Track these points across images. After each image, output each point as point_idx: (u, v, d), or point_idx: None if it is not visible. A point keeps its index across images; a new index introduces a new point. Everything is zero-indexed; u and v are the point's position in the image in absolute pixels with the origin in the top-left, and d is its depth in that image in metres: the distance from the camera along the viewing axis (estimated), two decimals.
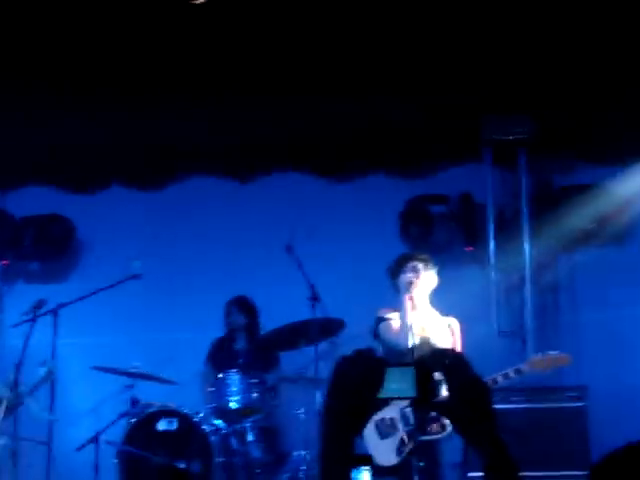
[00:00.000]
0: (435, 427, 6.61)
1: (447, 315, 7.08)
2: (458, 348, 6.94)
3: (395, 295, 7.01)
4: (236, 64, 8.20)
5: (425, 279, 6.96)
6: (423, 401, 2.07)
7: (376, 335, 7.01)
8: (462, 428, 2.05)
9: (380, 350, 6.97)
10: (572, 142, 9.02)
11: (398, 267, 7.01)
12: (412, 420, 6.40)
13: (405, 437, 6.39)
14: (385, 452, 6.60)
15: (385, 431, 6.65)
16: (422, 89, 8.55)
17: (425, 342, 6.78)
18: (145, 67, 8.26)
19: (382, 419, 6.67)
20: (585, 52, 8.12)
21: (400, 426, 6.56)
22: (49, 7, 7.49)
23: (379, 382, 2.17)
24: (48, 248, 9.43)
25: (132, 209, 9.39)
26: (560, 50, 8.14)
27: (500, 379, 6.68)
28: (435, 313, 7.05)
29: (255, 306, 8.69)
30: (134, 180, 9.50)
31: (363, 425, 2.00)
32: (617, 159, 8.97)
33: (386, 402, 2.05)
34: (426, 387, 2.03)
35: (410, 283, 6.82)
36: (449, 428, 6.59)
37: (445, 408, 2.12)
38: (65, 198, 9.52)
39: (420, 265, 6.97)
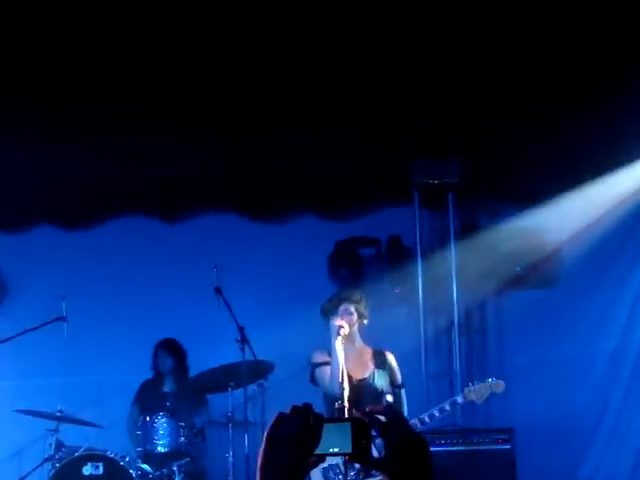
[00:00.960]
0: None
1: (378, 347, 7.11)
2: (398, 379, 6.97)
3: (327, 333, 7.01)
4: (164, 101, 8.14)
5: (353, 323, 6.96)
6: (359, 457, 2.07)
7: (312, 380, 7.00)
8: None
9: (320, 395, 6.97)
10: (498, 185, 9.13)
11: (331, 308, 7.02)
12: (357, 465, 6.40)
13: None
14: None
15: (332, 477, 6.62)
16: (353, 132, 8.59)
17: (360, 386, 6.80)
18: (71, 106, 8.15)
19: (329, 465, 6.66)
20: (513, 99, 8.24)
21: (346, 471, 6.55)
22: None
23: (317, 439, 2.15)
24: None
25: (57, 249, 9.24)
26: (488, 96, 8.24)
27: (436, 413, 6.74)
28: (368, 349, 7.07)
29: (183, 348, 8.61)
30: (60, 220, 9.35)
31: None
32: (542, 200, 9.11)
33: (323, 458, 2.04)
34: (362, 443, 2.04)
35: (342, 327, 6.82)
36: None
37: (381, 464, 2.12)
38: None
39: (352, 308, 6.99)
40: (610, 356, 8.93)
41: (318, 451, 2.21)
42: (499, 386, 6.88)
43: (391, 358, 7.08)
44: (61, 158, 8.66)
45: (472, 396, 6.82)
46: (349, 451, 2.22)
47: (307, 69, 7.78)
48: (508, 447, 7.66)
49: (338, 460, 6.62)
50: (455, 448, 7.68)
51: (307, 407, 2.20)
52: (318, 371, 6.95)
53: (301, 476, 2.20)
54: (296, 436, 2.16)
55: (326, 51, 7.55)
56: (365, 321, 7.08)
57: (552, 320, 8.96)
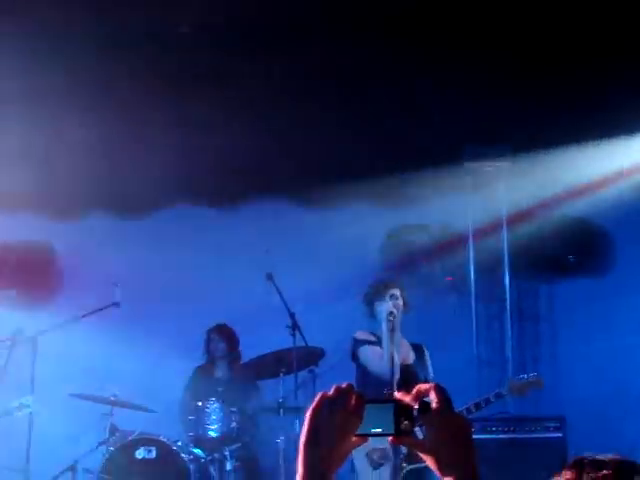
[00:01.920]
0: None
1: (415, 341, 7.12)
2: (431, 373, 6.99)
3: (370, 321, 7.03)
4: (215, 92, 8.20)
5: (401, 309, 6.98)
6: (402, 439, 2.07)
7: (354, 357, 7.04)
8: (441, 467, 2.05)
9: (356, 371, 7.00)
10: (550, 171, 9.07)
11: (376, 294, 7.03)
12: (403, 449, 6.42)
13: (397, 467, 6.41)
14: None
15: (376, 462, 6.65)
16: (405, 117, 8.58)
17: (407, 372, 6.81)
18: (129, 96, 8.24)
19: (373, 449, 6.68)
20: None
21: (391, 456, 6.57)
22: None
23: (359, 419, 2.16)
24: (28, 275, 9.39)
25: (112, 237, 9.36)
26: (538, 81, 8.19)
27: (483, 404, 6.73)
28: (405, 340, 7.09)
29: (235, 334, 8.67)
30: (114, 208, 9.48)
31: (341, 462, 2.00)
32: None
33: (365, 439, 2.04)
34: (405, 424, 2.04)
35: (391, 312, 6.83)
36: None
37: (424, 445, 2.11)
38: (46, 225, 9.48)
39: (398, 293, 7.00)
40: None
41: (360, 431, 2.22)
42: (539, 383, 6.84)
43: (427, 353, 7.10)
44: (117, 146, 8.78)
45: (515, 390, 6.79)
46: (392, 432, 2.23)
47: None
48: (560, 435, 7.61)
49: (385, 444, 6.65)
50: (506, 436, 7.65)
51: (349, 387, 2.22)
52: (363, 349, 6.97)
53: (342, 456, 2.22)
54: (338, 416, 2.18)
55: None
56: (409, 309, 7.07)
57: (605, 308, 8.88)
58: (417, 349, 7.08)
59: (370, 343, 6.97)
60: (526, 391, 6.88)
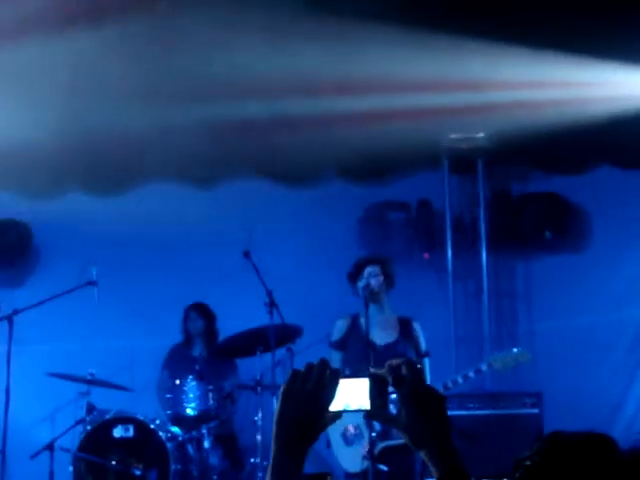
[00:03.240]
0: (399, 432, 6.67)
1: (405, 315, 7.13)
2: (423, 347, 7.00)
3: (356, 299, 7.05)
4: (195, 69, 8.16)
5: (380, 283, 6.98)
6: (376, 414, 2.07)
7: (332, 342, 7.06)
8: (415, 441, 2.04)
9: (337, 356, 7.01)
10: (529, 151, 9.08)
11: (357, 271, 7.05)
12: (377, 426, 6.45)
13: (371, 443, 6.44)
14: (351, 459, 6.65)
15: (351, 438, 6.69)
16: (384, 98, 8.56)
17: (387, 351, 6.83)
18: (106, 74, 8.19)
19: (348, 426, 6.71)
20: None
21: (365, 433, 6.61)
22: None
23: (332, 395, 2.15)
24: (4, 254, 9.35)
25: (89, 215, 9.30)
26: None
27: (460, 380, 6.76)
28: (394, 316, 7.10)
29: (213, 312, 8.66)
30: (91, 186, 9.43)
31: (315, 438, 1.99)
32: (573, 168, 9.08)
33: (340, 415, 2.04)
34: (380, 400, 2.04)
35: (368, 288, 6.85)
36: None
37: (397, 420, 2.11)
38: (21, 203, 9.42)
39: (378, 269, 7.00)
40: None
41: (335, 408, 2.22)
42: (525, 357, 6.83)
43: (416, 326, 7.09)
44: (94, 124, 8.72)
45: (497, 365, 6.80)
46: (366, 408, 2.23)
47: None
48: (536, 411, 7.65)
49: (359, 422, 6.68)
50: (483, 412, 7.69)
51: (323, 363, 2.21)
52: (338, 327, 7.03)
53: (317, 432, 2.22)
54: (311, 392, 2.17)
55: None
56: (392, 284, 7.08)
57: (582, 285, 8.93)
58: (405, 324, 7.07)
59: (341, 348, 7.01)
60: (511, 364, 6.87)
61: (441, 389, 6.72)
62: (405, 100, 8.32)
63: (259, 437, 7.42)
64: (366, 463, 6.47)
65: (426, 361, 7.02)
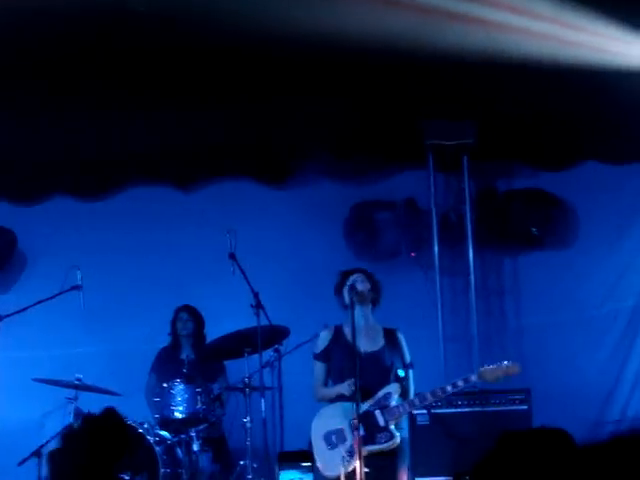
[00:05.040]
0: (383, 437, 6.66)
1: (391, 327, 7.09)
2: (407, 358, 6.98)
3: (341, 312, 7.01)
4: (177, 69, 8.13)
5: (366, 288, 6.94)
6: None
7: (316, 354, 7.04)
8: None
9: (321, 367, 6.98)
10: (515, 147, 9.08)
11: (342, 280, 7.02)
12: (362, 431, 6.44)
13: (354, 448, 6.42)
14: (333, 462, 6.62)
15: (334, 442, 6.67)
16: (366, 95, 8.54)
17: (370, 360, 6.81)
18: (80, 79, 8.15)
19: (331, 430, 6.70)
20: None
21: (348, 437, 6.59)
22: None
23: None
24: None
25: (73, 220, 9.28)
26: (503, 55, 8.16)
27: (449, 388, 6.73)
28: (379, 326, 7.06)
29: (201, 315, 8.64)
30: (75, 191, 9.39)
31: None
32: (559, 163, 9.09)
33: None
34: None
35: (355, 289, 6.83)
36: (397, 439, 6.64)
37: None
38: (6, 209, 9.38)
39: (360, 277, 6.97)
40: (628, 315, 8.88)
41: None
42: (514, 369, 6.81)
43: (401, 337, 7.07)
44: (75, 128, 8.70)
45: (487, 376, 6.76)
46: None
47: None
48: (525, 408, 7.65)
49: (343, 425, 6.66)
50: (472, 409, 7.68)
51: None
52: (323, 338, 7.01)
53: None
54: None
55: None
56: (378, 299, 7.04)
57: (569, 280, 8.94)
58: (389, 334, 7.04)
59: (325, 359, 6.99)
60: (500, 377, 6.83)
61: (430, 397, 6.70)
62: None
63: (248, 439, 7.40)
64: (344, 467, 6.47)
65: (410, 373, 6.98)
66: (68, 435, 2.26)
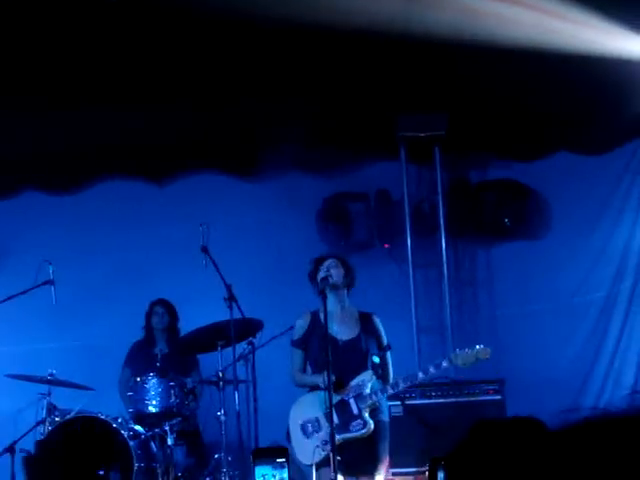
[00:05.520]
0: (356, 425, 6.69)
1: (366, 310, 7.10)
2: (384, 341, 6.99)
3: (317, 298, 7.01)
4: (145, 66, 8.10)
5: (340, 276, 6.96)
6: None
7: (293, 341, 7.05)
8: None
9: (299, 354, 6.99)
10: (487, 138, 9.10)
11: (315, 267, 7.02)
12: (336, 419, 6.47)
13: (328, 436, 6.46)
14: (309, 450, 6.65)
15: (310, 430, 6.71)
16: (338, 87, 8.53)
17: (347, 348, 6.83)
18: (52, 73, 8.10)
19: (308, 419, 6.72)
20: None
21: (323, 425, 6.63)
22: None
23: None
24: None
25: (44, 214, 9.24)
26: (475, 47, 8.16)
27: (421, 375, 6.75)
28: (354, 311, 7.07)
29: (175, 309, 8.62)
30: (47, 185, 9.34)
31: None
32: (530, 154, 9.12)
33: None
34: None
35: (327, 278, 6.84)
36: (371, 426, 6.66)
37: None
38: None
39: (333, 263, 6.98)
40: (601, 305, 8.92)
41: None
42: (485, 353, 6.84)
43: (377, 321, 7.08)
44: (46, 123, 8.64)
45: (458, 361, 6.79)
46: None
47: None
48: (499, 398, 7.69)
49: (318, 414, 6.69)
50: (446, 400, 7.71)
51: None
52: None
53: None
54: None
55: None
56: (352, 282, 7.05)
57: (542, 270, 8.96)
58: (365, 318, 7.05)
59: (302, 346, 6.99)
60: (472, 361, 6.86)
61: (400, 383, 6.72)
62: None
63: (223, 432, 7.39)
64: (320, 454, 6.50)
65: (388, 355, 7.01)
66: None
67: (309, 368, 6.99)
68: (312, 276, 7.01)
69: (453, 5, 7.53)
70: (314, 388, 6.82)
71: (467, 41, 7.66)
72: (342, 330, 6.92)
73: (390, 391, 6.79)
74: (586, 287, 8.95)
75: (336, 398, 6.57)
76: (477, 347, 6.82)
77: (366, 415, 6.72)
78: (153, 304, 8.60)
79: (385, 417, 6.88)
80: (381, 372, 6.88)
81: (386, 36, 7.78)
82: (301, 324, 7.04)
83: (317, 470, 6.63)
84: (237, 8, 7.32)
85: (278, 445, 7.10)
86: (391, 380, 6.86)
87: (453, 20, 7.58)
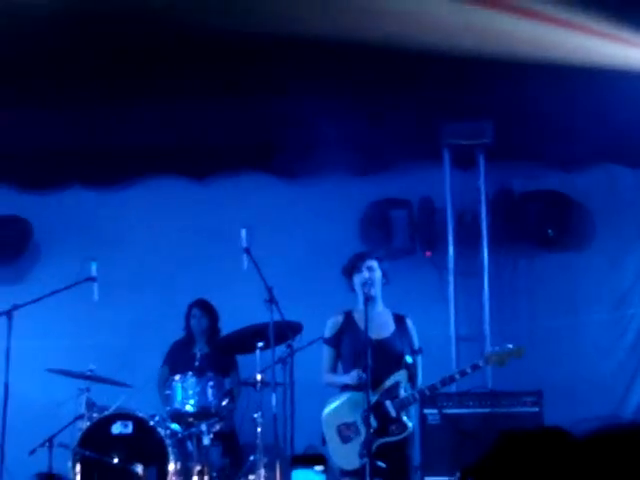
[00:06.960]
0: (396, 428, 6.68)
1: (398, 312, 7.13)
2: (416, 344, 7.00)
3: (352, 295, 7.04)
4: (195, 65, 8.13)
5: (379, 282, 6.99)
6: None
7: (325, 339, 7.07)
8: None
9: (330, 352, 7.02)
10: (532, 148, 9.05)
11: (353, 267, 7.05)
12: (374, 423, 6.46)
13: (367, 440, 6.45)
14: (347, 456, 6.64)
15: (347, 435, 6.69)
16: (384, 94, 8.53)
17: (381, 346, 6.84)
18: (98, 70, 8.16)
19: (344, 424, 6.71)
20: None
21: (362, 430, 6.61)
22: None
23: None
24: (4, 250, 9.33)
25: (89, 211, 9.33)
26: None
27: (457, 376, 6.76)
28: (388, 311, 7.10)
29: (215, 310, 8.64)
30: (91, 181, 9.43)
31: None
32: (575, 165, 9.06)
33: None
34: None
35: (365, 283, 6.86)
36: (410, 428, 6.65)
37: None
38: (22, 199, 9.42)
39: (375, 264, 7.01)
40: None
41: None
42: (519, 352, 6.82)
43: (410, 323, 7.10)
44: (93, 120, 8.72)
45: (493, 360, 6.80)
46: None
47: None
48: (536, 410, 7.62)
49: (355, 418, 6.68)
50: (483, 410, 7.66)
51: None
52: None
53: None
54: None
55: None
56: (388, 281, 7.08)
57: (584, 283, 8.91)
58: (399, 320, 7.09)
59: (334, 344, 6.97)
60: (506, 361, 6.86)
61: (438, 385, 6.72)
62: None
63: (258, 435, 7.40)
64: (363, 460, 6.47)
65: (419, 358, 7.03)
66: None
67: (341, 368, 7.02)
68: (347, 272, 7.04)
69: (506, 20, 7.52)
70: (345, 388, 6.84)
71: (514, 52, 7.65)
72: (376, 329, 6.94)
73: (427, 393, 6.79)
74: (629, 300, 8.89)
75: (372, 398, 6.57)
76: (510, 346, 6.83)
77: (404, 418, 6.72)
78: (191, 306, 8.64)
79: (414, 421, 6.89)
80: (409, 375, 6.90)
81: (432, 45, 7.78)
82: (333, 322, 7.08)
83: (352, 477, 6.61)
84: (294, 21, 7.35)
85: (315, 452, 7.10)
86: (419, 384, 6.87)
87: (498, 34, 7.57)
